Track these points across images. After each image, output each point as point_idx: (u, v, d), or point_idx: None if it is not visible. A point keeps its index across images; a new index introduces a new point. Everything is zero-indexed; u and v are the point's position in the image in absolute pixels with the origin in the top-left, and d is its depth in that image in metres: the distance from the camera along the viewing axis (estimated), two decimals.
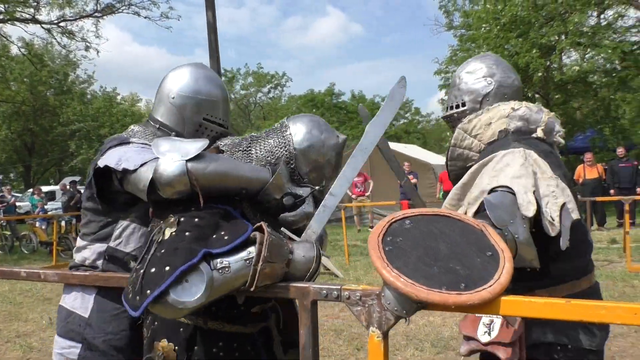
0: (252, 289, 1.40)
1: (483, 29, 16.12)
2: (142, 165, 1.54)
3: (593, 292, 1.73)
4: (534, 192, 1.46)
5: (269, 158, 1.73)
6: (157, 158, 1.53)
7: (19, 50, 25.23)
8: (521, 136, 1.77)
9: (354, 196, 13.40)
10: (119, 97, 40.81)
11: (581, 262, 1.74)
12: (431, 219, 1.33)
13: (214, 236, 1.48)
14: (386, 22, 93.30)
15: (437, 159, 18.10)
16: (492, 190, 1.52)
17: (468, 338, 1.67)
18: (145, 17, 21.48)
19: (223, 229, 1.51)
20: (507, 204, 1.43)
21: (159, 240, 1.46)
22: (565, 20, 15.46)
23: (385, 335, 1.23)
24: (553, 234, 1.44)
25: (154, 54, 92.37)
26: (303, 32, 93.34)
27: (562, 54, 15.82)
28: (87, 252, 1.85)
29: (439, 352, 4.35)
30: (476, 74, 1.95)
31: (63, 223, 11.40)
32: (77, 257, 1.87)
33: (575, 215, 1.50)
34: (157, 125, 1.98)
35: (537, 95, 18.06)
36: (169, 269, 1.34)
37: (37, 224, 13.37)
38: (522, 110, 1.81)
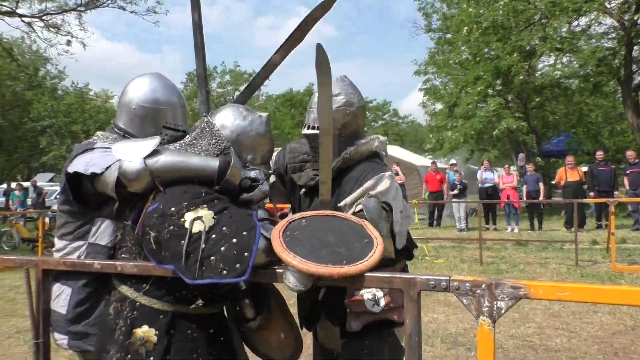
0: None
1: (464, 31, 16.32)
2: (107, 168, 1.79)
3: (405, 269, 2.24)
4: (400, 212, 1.98)
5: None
6: (119, 160, 1.76)
7: None
8: (381, 162, 2.22)
9: None
10: (91, 93, 39.90)
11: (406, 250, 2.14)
12: (323, 219, 1.72)
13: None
14: (358, 23, 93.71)
15: (421, 161, 18.30)
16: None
17: (358, 314, 1.96)
18: (131, 12, 20.95)
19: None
20: (379, 211, 1.86)
21: (203, 228, 1.58)
22: (544, 25, 15.78)
23: (494, 324, 1.29)
24: (399, 246, 1.96)
25: (124, 50, 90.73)
26: (276, 31, 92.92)
27: (540, 58, 16.10)
28: (68, 250, 2.00)
29: (449, 347, 4.45)
30: (335, 102, 2.11)
31: (47, 219, 11.08)
32: (59, 257, 2.00)
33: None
34: (122, 133, 2.14)
35: (515, 98, 18.42)
36: (247, 233, 1.56)
37: (18, 221, 12.97)
38: (382, 145, 2.26)
